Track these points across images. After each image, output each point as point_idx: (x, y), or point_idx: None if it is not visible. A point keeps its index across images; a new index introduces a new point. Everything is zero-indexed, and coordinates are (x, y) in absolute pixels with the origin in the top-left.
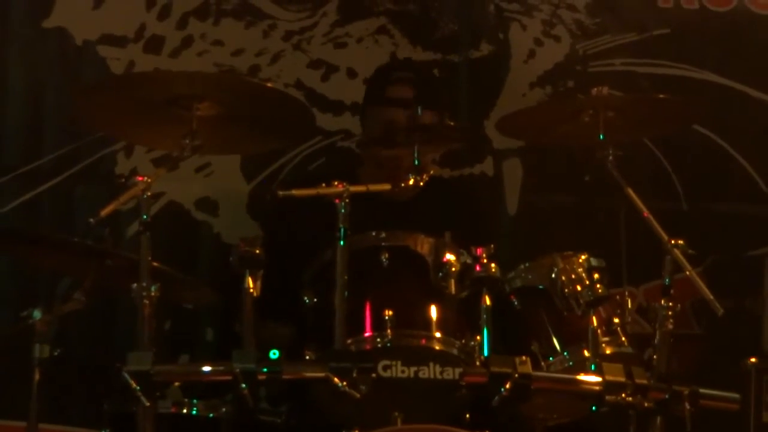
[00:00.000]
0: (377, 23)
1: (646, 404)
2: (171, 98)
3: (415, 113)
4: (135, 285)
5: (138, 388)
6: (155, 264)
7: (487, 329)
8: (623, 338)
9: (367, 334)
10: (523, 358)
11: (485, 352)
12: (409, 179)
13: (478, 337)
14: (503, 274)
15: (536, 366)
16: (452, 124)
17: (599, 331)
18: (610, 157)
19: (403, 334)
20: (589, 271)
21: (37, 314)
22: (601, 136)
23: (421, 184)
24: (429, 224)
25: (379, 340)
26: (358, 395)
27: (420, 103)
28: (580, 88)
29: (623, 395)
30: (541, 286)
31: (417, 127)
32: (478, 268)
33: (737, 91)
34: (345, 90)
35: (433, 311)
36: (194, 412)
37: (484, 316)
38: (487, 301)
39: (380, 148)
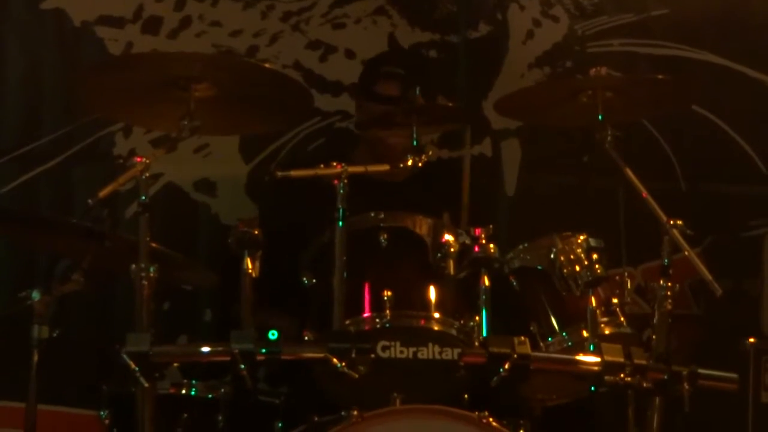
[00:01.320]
0: (375, 4)
1: (644, 384)
2: (169, 79)
3: (412, 95)
4: (133, 266)
5: (137, 369)
6: (154, 245)
7: (486, 310)
8: (622, 318)
9: (365, 315)
10: (522, 338)
11: (484, 333)
12: (408, 160)
13: (477, 318)
14: (502, 254)
15: (535, 346)
16: (450, 104)
17: (598, 311)
18: (609, 138)
19: (402, 314)
20: (588, 251)
21: (35, 295)
22: (600, 117)
23: (420, 165)
24: (426, 205)
25: (377, 320)
26: (356, 376)
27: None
28: (578, 68)
29: (622, 375)
30: (539, 267)
31: (414, 108)
32: (476, 248)
33: (736, 72)
34: (343, 71)
35: (432, 292)
36: (193, 393)
37: (483, 296)
38: (486, 281)
39: (377, 129)
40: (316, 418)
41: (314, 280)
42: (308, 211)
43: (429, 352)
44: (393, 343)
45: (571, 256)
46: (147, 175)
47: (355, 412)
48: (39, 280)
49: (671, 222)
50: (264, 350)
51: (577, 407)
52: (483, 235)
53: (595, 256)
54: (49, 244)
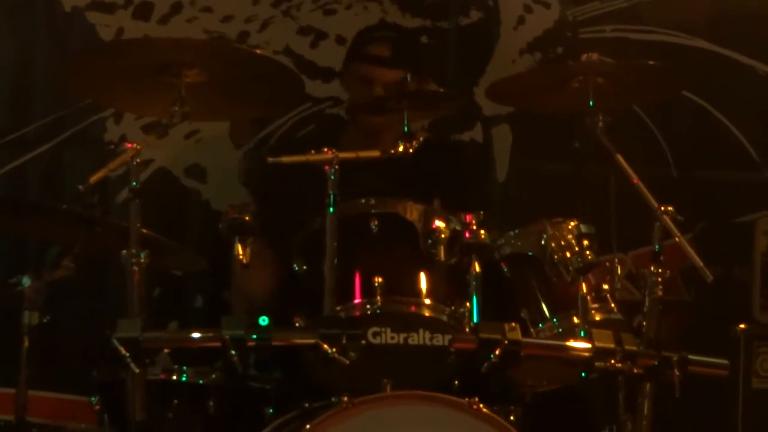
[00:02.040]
0: None
1: (635, 370)
2: (160, 65)
3: (404, 80)
4: (124, 252)
5: (127, 354)
6: (144, 231)
7: (477, 296)
8: (612, 305)
9: (356, 301)
10: (513, 324)
11: (474, 319)
12: (399, 146)
13: (468, 304)
14: (492, 240)
15: (525, 332)
16: (442, 90)
17: (588, 297)
18: (600, 124)
19: (393, 300)
20: (579, 237)
21: (26, 281)
22: (591, 103)
23: (411, 150)
24: (418, 190)
25: (368, 306)
26: (347, 362)
27: (396, 62)
28: (569, 54)
29: (612, 361)
30: (530, 253)
31: (406, 94)
32: (467, 234)
33: (728, 58)
34: (334, 56)
35: (423, 278)
36: (184, 379)
37: (474, 282)
38: (477, 267)
39: (368, 115)
40: (306, 404)
41: (305, 267)
42: (299, 196)
43: (420, 338)
44: (384, 329)
45: (562, 242)
46: (138, 161)
47: (346, 398)
48: (29, 266)
49: (662, 208)
50: (255, 336)
51: (567, 393)
52: (474, 221)
53: (585, 242)
54: (39, 230)
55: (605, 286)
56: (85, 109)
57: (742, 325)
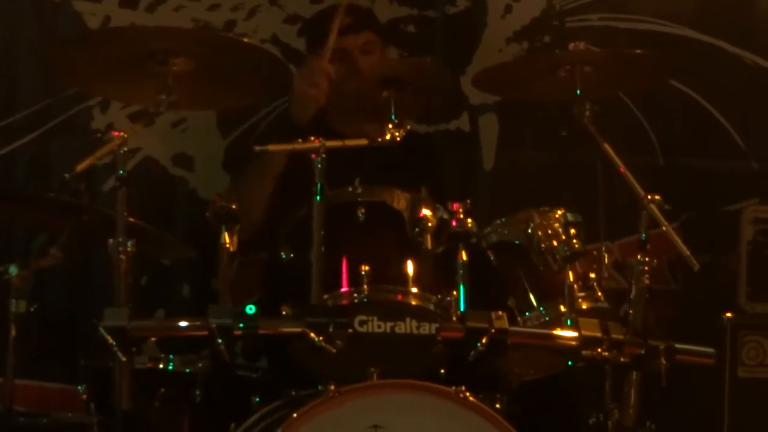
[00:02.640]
0: None
1: (622, 359)
2: (147, 53)
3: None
4: (111, 240)
5: (114, 343)
6: (131, 219)
7: (464, 285)
8: (599, 293)
9: (343, 290)
10: (500, 313)
11: (461, 308)
12: (386, 134)
13: (455, 293)
14: (479, 229)
15: (512, 321)
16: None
17: (575, 286)
18: (587, 113)
19: (380, 289)
20: (566, 226)
21: (13, 270)
22: (578, 92)
23: (398, 139)
24: (405, 179)
25: (355, 295)
26: (334, 350)
27: (361, 25)
28: (556, 43)
29: (599, 350)
30: (517, 242)
31: (393, 81)
32: (454, 223)
33: (715, 47)
34: None
35: (410, 266)
36: (170, 368)
37: (461, 271)
38: (464, 256)
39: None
40: (293, 393)
41: (292, 255)
42: (286, 185)
43: (406, 326)
44: (370, 318)
45: (549, 231)
46: (125, 149)
47: (332, 387)
48: (16, 254)
49: (649, 197)
50: (241, 325)
51: (554, 382)
52: (461, 210)
53: (572, 231)
54: (26, 219)
55: (592, 275)
56: (72, 97)
57: (728, 314)
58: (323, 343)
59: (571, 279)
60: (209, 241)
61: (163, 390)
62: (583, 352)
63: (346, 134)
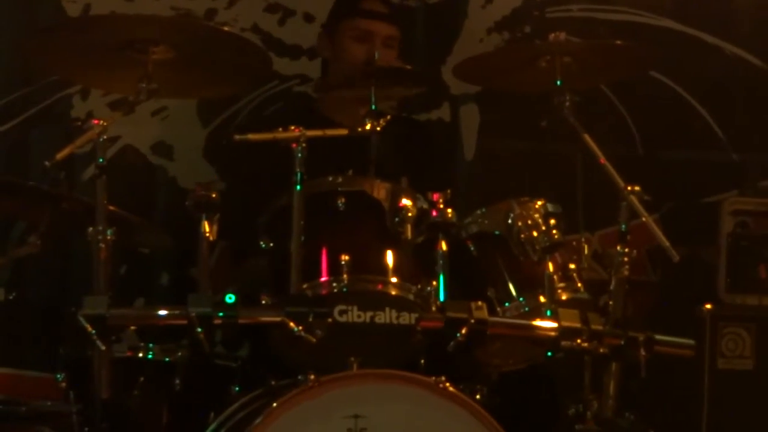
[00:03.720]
0: None
1: (601, 350)
2: (127, 42)
3: (371, 57)
4: (91, 229)
5: (93, 332)
6: (111, 208)
7: (443, 275)
8: (579, 284)
9: (323, 279)
10: (479, 303)
11: (441, 298)
12: (366, 123)
13: (434, 283)
14: (459, 219)
15: (492, 311)
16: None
17: (555, 276)
18: (567, 103)
19: (360, 279)
20: (546, 216)
21: None
22: (558, 82)
23: (378, 129)
24: (385, 167)
25: (335, 285)
26: (314, 340)
27: (393, 17)
28: (537, 33)
29: (579, 341)
30: (497, 232)
31: (373, 72)
32: (434, 213)
33: (695, 38)
34: (302, 34)
35: (390, 256)
36: (150, 357)
37: (440, 261)
38: (444, 246)
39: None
40: (273, 382)
41: (271, 244)
42: (265, 174)
43: (386, 316)
44: (350, 308)
45: (529, 222)
46: (104, 137)
47: (312, 377)
48: None
49: (629, 188)
50: (221, 314)
51: (533, 372)
52: (441, 200)
53: (552, 222)
54: (5, 207)
55: (572, 266)
56: (52, 85)
57: (707, 306)
58: (303, 333)
59: (551, 269)
60: (189, 230)
61: (142, 379)
62: (563, 343)
63: (337, 122)
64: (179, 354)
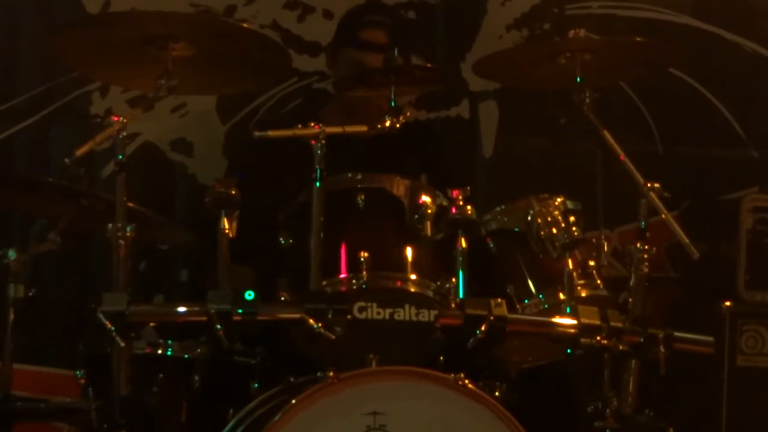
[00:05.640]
0: None
1: (620, 347)
2: (147, 38)
3: (390, 55)
4: (110, 225)
5: (113, 328)
6: (130, 204)
7: (463, 272)
8: (598, 281)
9: (342, 276)
10: (499, 300)
11: (460, 295)
12: (386, 121)
13: (454, 280)
14: (479, 216)
15: (511, 308)
16: (429, 66)
17: (575, 274)
18: (587, 100)
19: (379, 275)
20: (565, 213)
21: (11, 254)
22: (578, 79)
23: (398, 126)
24: (404, 166)
25: (354, 281)
26: (333, 337)
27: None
28: (556, 30)
29: (598, 338)
30: (516, 229)
31: (393, 69)
32: (453, 210)
33: (714, 35)
34: (321, 31)
35: (409, 253)
36: (169, 353)
37: (460, 258)
38: (463, 243)
39: (355, 90)
40: (292, 379)
41: (291, 241)
42: (285, 170)
43: (405, 313)
44: (369, 305)
45: (549, 219)
46: (124, 134)
47: (331, 373)
48: (15, 239)
49: (648, 185)
50: (240, 311)
51: (553, 369)
52: (460, 197)
53: (572, 219)
54: (25, 203)
55: (591, 263)
56: (72, 82)
57: (727, 303)
58: (322, 330)
59: (571, 266)
60: (208, 227)
61: (161, 375)
62: (582, 340)
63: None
64: (198, 351)
